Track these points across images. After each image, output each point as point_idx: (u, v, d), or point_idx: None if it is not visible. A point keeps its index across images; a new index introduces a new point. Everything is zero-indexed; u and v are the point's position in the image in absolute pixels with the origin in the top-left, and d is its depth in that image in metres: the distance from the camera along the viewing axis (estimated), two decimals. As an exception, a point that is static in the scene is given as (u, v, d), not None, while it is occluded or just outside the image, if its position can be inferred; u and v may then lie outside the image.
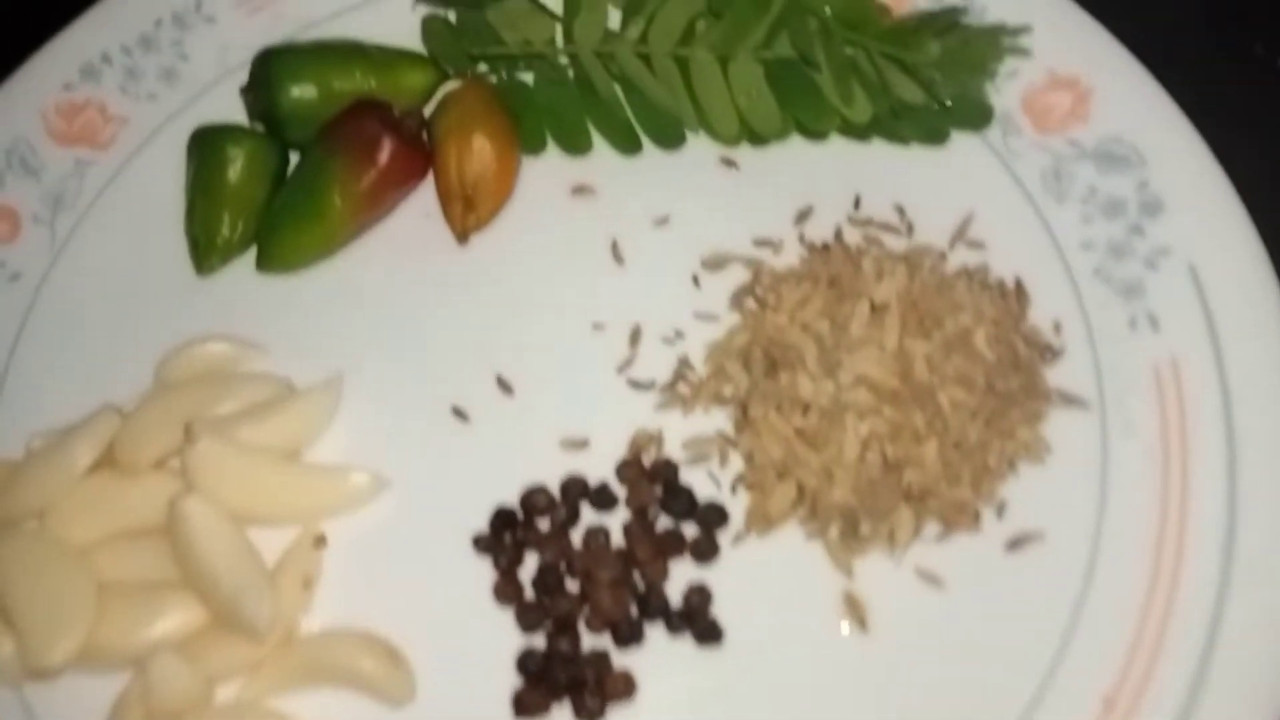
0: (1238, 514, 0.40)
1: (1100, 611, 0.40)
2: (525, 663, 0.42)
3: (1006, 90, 0.51)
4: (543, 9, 0.54)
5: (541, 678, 0.41)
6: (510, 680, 0.42)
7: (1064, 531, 0.42)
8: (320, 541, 0.44)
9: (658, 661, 0.42)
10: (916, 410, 0.43)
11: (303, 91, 0.52)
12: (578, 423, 0.46)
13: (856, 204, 0.50)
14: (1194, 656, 0.38)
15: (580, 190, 0.52)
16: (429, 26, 0.55)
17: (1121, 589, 0.40)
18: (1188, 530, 0.40)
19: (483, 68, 0.55)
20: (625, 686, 0.41)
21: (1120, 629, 0.39)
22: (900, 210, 0.50)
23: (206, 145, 0.52)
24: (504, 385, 0.48)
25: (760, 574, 0.43)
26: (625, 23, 0.53)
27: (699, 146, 0.52)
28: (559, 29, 0.54)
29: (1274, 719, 0.36)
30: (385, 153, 0.50)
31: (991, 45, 0.51)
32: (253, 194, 0.52)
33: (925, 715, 0.39)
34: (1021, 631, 0.40)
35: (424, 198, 0.53)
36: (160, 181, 0.54)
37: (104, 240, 0.53)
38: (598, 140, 0.53)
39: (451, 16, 0.55)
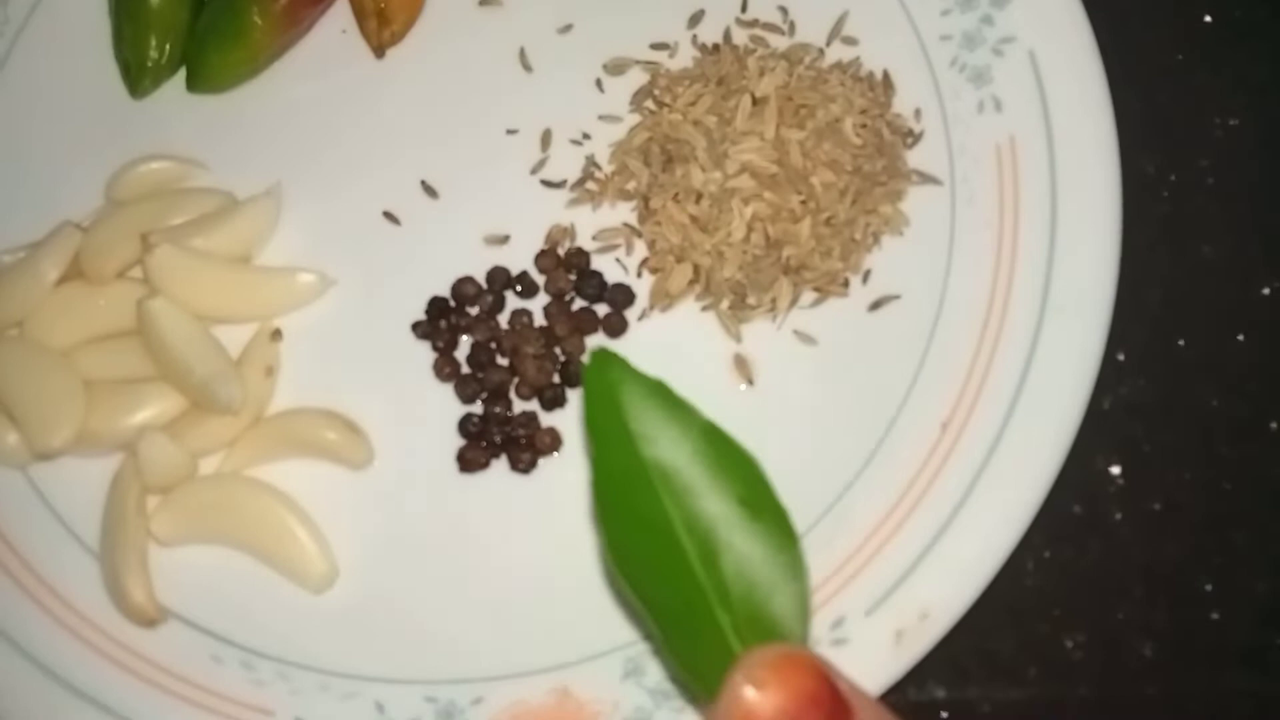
0: (1053, 269, 0.46)
1: (941, 355, 0.46)
2: (466, 426, 0.48)
3: (878, -108, 0.54)
4: None
5: (481, 437, 0.47)
6: (454, 442, 0.48)
7: (916, 291, 0.48)
8: (277, 335, 0.48)
9: (579, 420, 0.48)
10: (792, 193, 0.48)
11: (214, -88, 0.53)
12: (498, 221, 0.51)
13: (744, 6, 0.54)
14: (1011, 387, 0.45)
15: (487, 1, 0.55)
16: None
17: (959, 336, 0.46)
18: (1014, 284, 0.46)
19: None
20: (552, 441, 0.47)
21: (956, 368, 0.46)
22: (783, 10, 0.53)
23: (125, -31, 0.53)
24: (429, 189, 0.52)
25: (663, 343, 0.49)
26: None
27: (597, -45, 0.55)
28: None
29: (1071, 430, 0.44)
30: (299, -30, 0.52)
31: None
32: (177, 16, 0.53)
33: (801, 449, 0.46)
34: (879, 375, 0.47)
35: (340, 15, 0.55)
36: (85, 6, 0.55)
37: (38, 68, 0.54)
38: (501, -49, 0.55)
39: None
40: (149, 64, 0.53)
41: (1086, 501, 0.47)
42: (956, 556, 0.43)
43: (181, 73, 0.54)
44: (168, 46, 0.53)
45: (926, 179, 0.50)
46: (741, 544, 0.33)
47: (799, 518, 0.44)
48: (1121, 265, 0.46)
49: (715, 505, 0.33)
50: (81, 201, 0.51)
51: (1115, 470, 0.48)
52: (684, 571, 0.32)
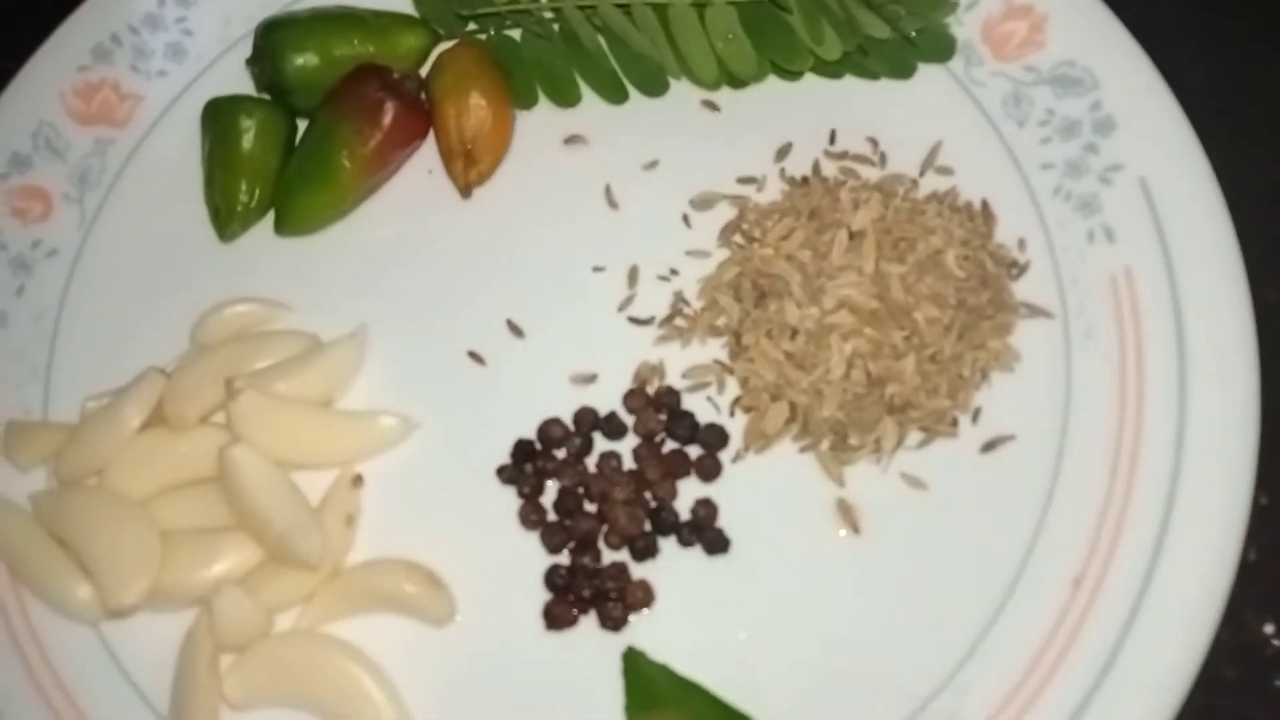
0: (1188, 408, 0.42)
1: (1067, 503, 0.42)
2: (552, 578, 0.44)
3: (967, 21, 0.52)
4: (526, -32, 0.55)
5: (568, 591, 0.44)
6: (540, 596, 0.44)
7: (1033, 432, 0.44)
8: (358, 481, 0.46)
9: (672, 571, 0.44)
10: (895, 328, 0.45)
11: (305, 60, 0.53)
12: (585, 359, 0.48)
13: (832, 139, 0.52)
14: (1151, 538, 0.40)
15: (572, 140, 0.53)
16: (419, -10, 0.55)
17: (1086, 481, 0.42)
18: (1144, 424, 0.42)
19: (472, 26, 0.55)
20: (644, 595, 0.43)
21: (1085, 517, 0.41)
22: (873, 142, 0.51)
23: (220, 116, 0.53)
24: (515, 329, 0.49)
25: (760, 487, 0.45)
26: (605, -25, 0.53)
27: (682, 92, 0.53)
28: (543, -14, 0.55)
29: (1224, 587, 0.39)
30: (388, 116, 0.51)
31: (951, -21, 0.52)
32: (267, 161, 0.53)
33: (916, 606, 0.42)
34: (998, 525, 0.42)
35: (426, 156, 0.54)
36: (177, 154, 0.55)
37: (130, 213, 0.54)
38: (586, 91, 0.54)
39: (440, -21, 0.55)
40: (239, 208, 0.52)
41: (1241, 665, 0.41)
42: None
43: (269, 216, 0.53)
44: (257, 191, 0.52)
45: (1036, 312, 0.46)
46: None
47: (914, 686, 0.40)
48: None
49: None
50: (168, 345, 0.50)
51: (1270, 629, 0.42)
52: None
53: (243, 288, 0.51)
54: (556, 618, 0.43)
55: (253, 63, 0.55)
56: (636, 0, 0.52)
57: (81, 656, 0.44)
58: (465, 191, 0.52)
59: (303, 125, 0.54)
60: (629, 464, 0.46)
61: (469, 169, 0.52)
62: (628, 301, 0.49)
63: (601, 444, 0.47)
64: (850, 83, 0.52)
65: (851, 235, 0.47)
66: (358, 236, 0.52)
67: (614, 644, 0.43)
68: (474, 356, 0.49)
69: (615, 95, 0.54)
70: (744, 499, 0.45)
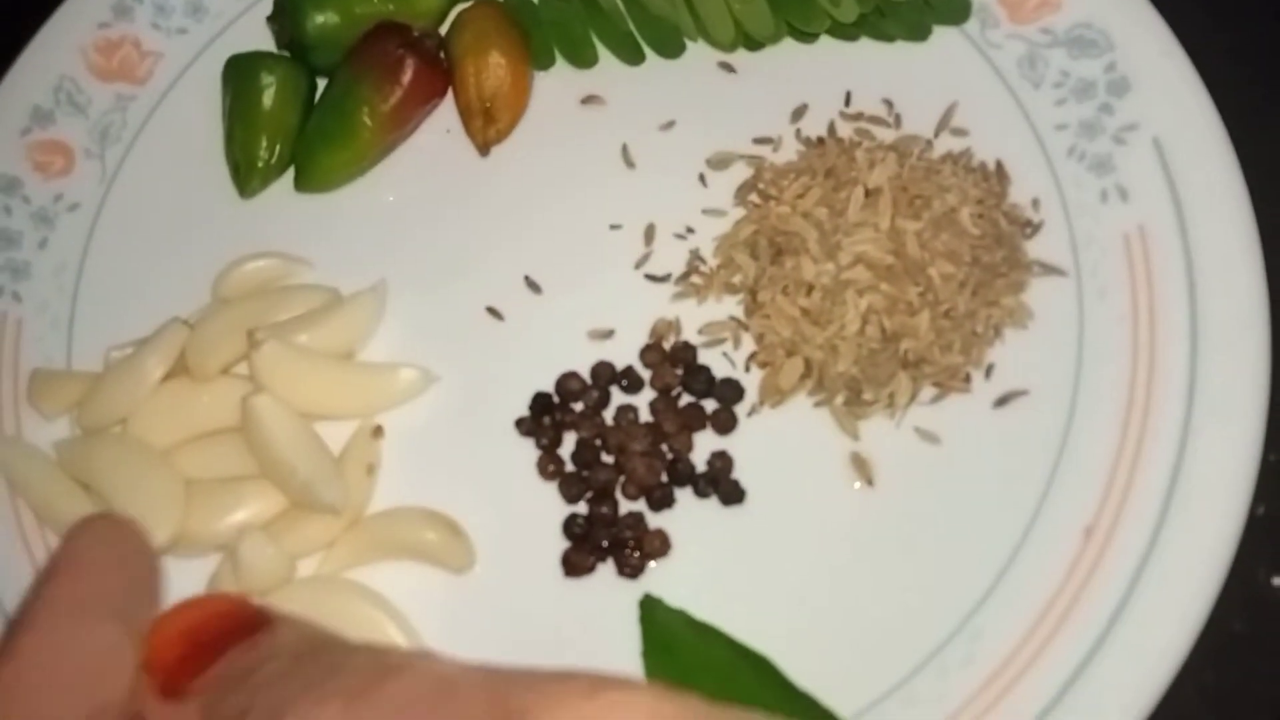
0: (1198, 365, 0.42)
1: (1078, 457, 0.42)
2: (570, 527, 0.44)
3: (984, -16, 0.52)
4: (545, -73, 0.55)
5: (586, 539, 0.44)
6: (558, 544, 0.44)
7: (1046, 388, 0.44)
8: (378, 432, 0.46)
9: (688, 522, 0.44)
10: (910, 284, 0.45)
11: (326, 18, 0.53)
12: (602, 315, 0.48)
13: (847, 100, 0.51)
14: (1161, 490, 0.40)
15: (589, 100, 0.53)
16: (438, -50, 0.55)
17: (1097, 436, 0.42)
18: (1155, 381, 0.42)
19: (490, -13, 0.55)
20: (661, 544, 0.44)
21: (1097, 470, 0.41)
22: (888, 103, 0.51)
23: (241, 73, 0.53)
24: (532, 285, 0.50)
25: (775, 440, 0.45)
26: (622, -63, 0.53)
27: (698, 54, 0.53)
28: (560, -54, 0.54)
29: (1232, 539, 0.39)
30: (408, 73, 0.51)
31: (967, -58, 0.51)
32: (287, 118, 0.53)
33: (928, 557, 0.42)
34: (1010, 478, 0.42)
35: (444, 116, 0.54)
36: (198, 111, 0.54)
37: (151, 169, 0.54)
38: (603, 53, 0.54)
39: (459, -61, 0.55)
40: (259, 164, 0.52)
41: (1249, 619, 0.41)
42: (1112, 683, 0.37)
43: (289, 172, 0.53)
44: (278, 147, 0.52)
45: (1049, 270, 0.46)
46: None
47: (929, 633, 0.40)
48: (1271, 360, 0.42)
49: (764, 697, 0.39)
50: (190, 299, 0.50)
51: (1278, 582, 0.42)
52: None
53: (263, 243, 0.51)
54: (575, 565, 0.44)
55: (273, 20, 0.54)
56: (654, -39, 0.52)
57: (108, 599, 0.44)
58: (483, 150, 0.52)
59: (323, 83, 0.54)
60: (646, 417, 0.46)
61: (488, 127, 0.52)
62: (644, 259, 0.49)
63: (619, 398, 0.47)
64: (866, 45, 0.52)
65: (868, 193, 0.47)
66: (377, 193, 0.52)
67: (631, 591, 0.43)
68: (492, 312, 0.49)
69: (632, 57, 0.54)
70: (759, 452, 0.45)
